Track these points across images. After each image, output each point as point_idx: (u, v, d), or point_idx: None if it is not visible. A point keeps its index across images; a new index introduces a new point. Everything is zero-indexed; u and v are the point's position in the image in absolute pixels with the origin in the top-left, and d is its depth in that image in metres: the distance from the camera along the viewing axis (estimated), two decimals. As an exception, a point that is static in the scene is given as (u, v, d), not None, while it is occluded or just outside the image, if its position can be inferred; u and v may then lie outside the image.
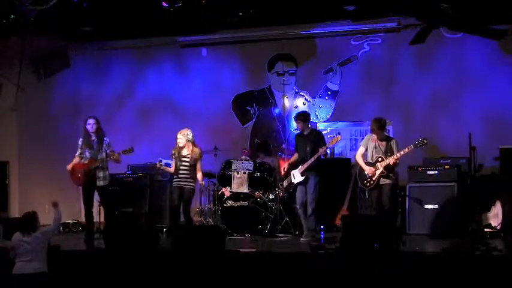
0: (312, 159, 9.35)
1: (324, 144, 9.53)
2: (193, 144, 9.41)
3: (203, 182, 9.75)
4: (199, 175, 9.41)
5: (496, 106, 10.83)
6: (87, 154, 9.29)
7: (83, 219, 9.97)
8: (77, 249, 8.91)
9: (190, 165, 9.31)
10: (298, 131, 9.83)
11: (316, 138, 9.59)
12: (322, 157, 9.52)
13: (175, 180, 9.40)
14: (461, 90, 11.12)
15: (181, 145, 9.38)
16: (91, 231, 9.38)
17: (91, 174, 9.21)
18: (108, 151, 9.26)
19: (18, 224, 7.26)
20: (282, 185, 9.92)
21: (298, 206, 9.57)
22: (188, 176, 9.32)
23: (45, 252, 7.10)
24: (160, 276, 7.50)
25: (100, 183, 9.24)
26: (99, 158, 9.21)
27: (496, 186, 9.68)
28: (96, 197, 9.90)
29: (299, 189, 9.53)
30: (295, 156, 9.78)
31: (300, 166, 9.45)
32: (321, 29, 11.80)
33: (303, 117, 9.67)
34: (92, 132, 9.32)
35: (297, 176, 9.51)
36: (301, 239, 9.41)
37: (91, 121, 9.33)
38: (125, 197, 10.77)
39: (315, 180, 9.40)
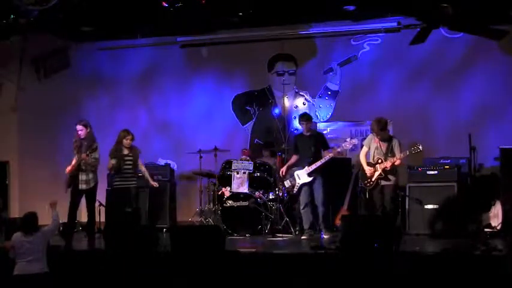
0: (323, 161, 9.40)
1: (328, 145, 9.70)
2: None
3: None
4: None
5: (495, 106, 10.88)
6: (75, 157, 9.25)
7: (83, 220, 9.98)
8: (77, 249, 8.93)
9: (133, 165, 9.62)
10: (298, 132, 9.85)
11: (319, 140, 9.66)
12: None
13: (119, 180, 9.60)
14: (460, 91, 11.14)
15: (127, 146, 9.62)
16: (70, 232, 9.31)
17: (74, 175, 9.15)
18: (92, 155, 9.11)
19: (20, 224, 7.26)
20: (283, 185, 9.92)
21: (302, 207, 9.58)
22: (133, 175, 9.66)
23: (45, 252, 7.11)
24: (160, 276, 7.50)
25: (82, 186, 9.14)
26: (83, 161, 9.12)
27: (496, 186, 9.69)
28: (97, 197, 9.89)
29: (304, 189, 9.54)
30: (295, 157, 9.78)
31: (307, 167, 9.46)
32: (321, 29, 11.80)
33: (309, 117, 9.71)
34: (82, 137, 9.23)
35: (302, 177, 9.51)
36: (302, 237, 9.46)
37: (79, 127, 9.23)
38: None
39: (321, 180, 9.45)
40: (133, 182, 9.63)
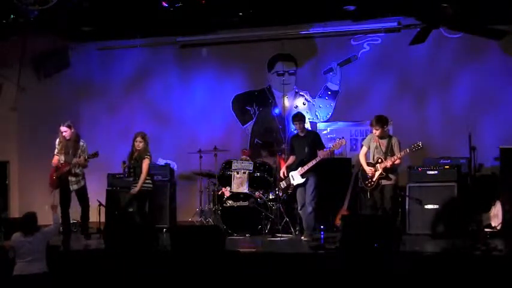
0: (314, 162, 9.36)
1: (323, 145, 9.66)
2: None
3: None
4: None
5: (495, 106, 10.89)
6: (62, 158, 9.26)
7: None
8: (76, 249, 8.93)
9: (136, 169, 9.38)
10: (294, 133, 9.85)
11: (314, 140, 9.62)
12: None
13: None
14: (460, 91, 11.14)
15: (139, 148, 9.41)
16: (68, 232, 9.37)
17: (63, 177, 9.19)
18: (81, 156, 9.14)
19: (20, 224, 7.26)
20: (280, 186, 9.92)
21: (299, 207, 9.58)
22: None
23: (45, 253, 7.11)
24: (160, 276, 7.50)
25: (73, 187, 9.24)
26: (72, 162, 9.14)
27: (496, 186, 9.69)
28: (97, 197, 9.91)
29: (299, 190, 9.52)
30: (292, 158, 9.77)
31: (300, 168, 9.45)
32: (321, 29, 11.79)
33: (301, 116, 9.70)
34: (68, 138, 9.26)
35: (296, 178, 9.51)
36: (302, 238, 9.44)
37: (63, 128, 9.23)
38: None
39: (314, 180, 9.41)
40: (144, 186, 9.37)
